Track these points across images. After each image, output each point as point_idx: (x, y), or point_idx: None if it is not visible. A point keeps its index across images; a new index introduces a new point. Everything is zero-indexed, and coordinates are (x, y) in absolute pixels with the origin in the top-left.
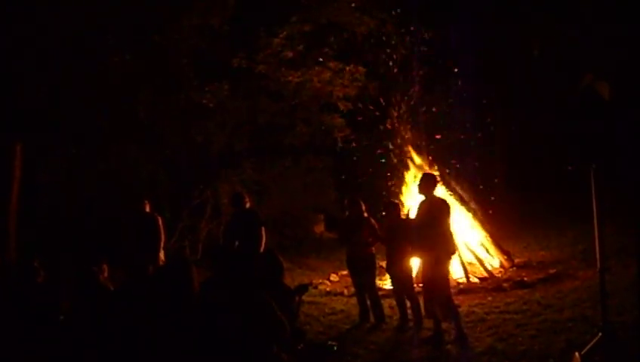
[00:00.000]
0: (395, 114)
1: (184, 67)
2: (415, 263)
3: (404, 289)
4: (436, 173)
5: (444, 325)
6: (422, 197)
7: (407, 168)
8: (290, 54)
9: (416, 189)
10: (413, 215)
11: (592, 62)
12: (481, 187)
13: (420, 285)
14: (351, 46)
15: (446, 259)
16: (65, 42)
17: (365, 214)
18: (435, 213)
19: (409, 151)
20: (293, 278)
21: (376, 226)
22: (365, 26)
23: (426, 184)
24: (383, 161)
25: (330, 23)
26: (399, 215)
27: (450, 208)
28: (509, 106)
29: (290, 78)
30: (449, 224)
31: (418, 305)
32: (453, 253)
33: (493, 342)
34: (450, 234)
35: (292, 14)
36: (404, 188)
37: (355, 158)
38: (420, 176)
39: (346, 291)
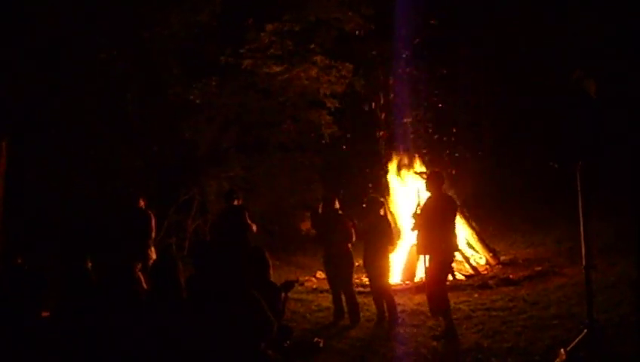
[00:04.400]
0: (383, 114)
1: (171, 63)
2: (396, 260)
3: (380, 286)
4: (423, 170)
5: (430, 322)
6: (428, 194)
7: (391, 164)
8: (279, 52)
9: (424, 186)
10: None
11: (579, 59)
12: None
13: (407, 282)
14: (338, 43)
15: (448, 256)
16: (52, 39)
17: (340, 211)
18: (440, 210)
19: (394, 149)
20: (279, 275)
21: (351, 223)
22: (354, 24)
23: (434, 181)
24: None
25: (318, 21)
26: (380, 211)
27: (456, 206)
28: (497, 103)
29: (276, 70)
30: (454, 221)
31: (393, 302)
32: (455, 250)
33: (479, 338)
34: (454, 232)
35: (281, 12)
36: (387, 186)
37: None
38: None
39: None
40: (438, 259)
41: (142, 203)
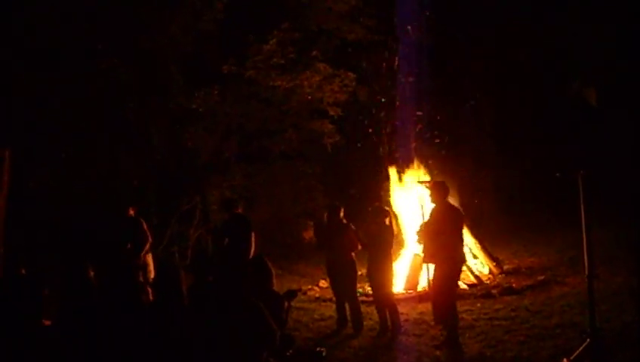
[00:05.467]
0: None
1: (173, 72)
2: (399, 269)
3: (383, 295)
4: (427, 180)
5: (432, 331)
6: (434, 205)
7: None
8: (281, 61)
9: (429, 197)
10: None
11: (580, 66)
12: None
13: (410, 291)
14: (341, 52)
15: (455, 267)
16: (54, 46)
17: (345, 220)
18: (446, 220)
19: (397, 158)
20: (282, 284)
21: (355, 233)
22: (355, 34)
23: (438, 192)
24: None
25: (320, 30)
26: (385, 221)
27: (462, 216)
28: (499, 111)
29: (279, 83)
30: (460, 232)
31: (396, 310)
32: (463, 261)
33: (482, 348)
34: (461, 242)
35: (282, 20)
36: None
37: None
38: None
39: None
40: (443, 269)
41: (131, 211)
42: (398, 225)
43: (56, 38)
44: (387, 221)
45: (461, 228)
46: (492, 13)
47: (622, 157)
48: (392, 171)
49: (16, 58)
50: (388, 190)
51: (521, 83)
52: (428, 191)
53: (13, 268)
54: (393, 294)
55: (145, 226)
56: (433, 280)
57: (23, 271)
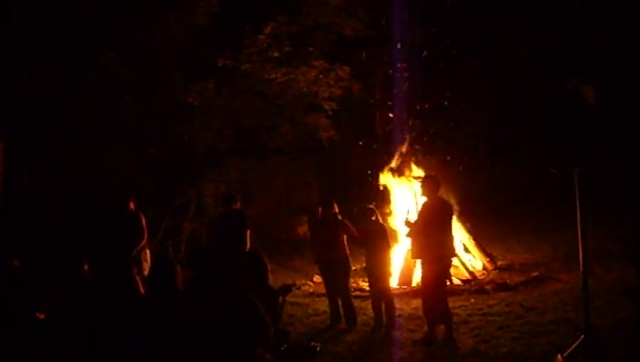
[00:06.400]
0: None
1: (169, 66)
2: (396, 265)
3: (381, 288)
4: (419, 175)
5: (426, 326)
6: (424, 199)
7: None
8: (275, 54)
9: (420, 191)
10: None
11: (577, 65)
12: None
13: (404, 287)
14: (336, 47)
15: (444, 262)
16: (51, 40)
17: (339, 216)
18: (436, 215)
19: (391, 153)
20: (277, 279)
21: (350, 227)
22: (351, 28)
23: (429, 186)
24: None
25: (316, 24)
26: (372, 219)
27: (452, 211)
28: (495, 107)
29: (274, 76)
30: (450, 226)
31: (392, 304)
32: (453, 256)
33: (475, 343)
34: (451, 237)
35: (279, 14)
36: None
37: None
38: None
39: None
40: (432, 264)
41: (132, 205)
42: (386, 220)
43: (55, 30)
44: (373, 217)
45: (451, 223)
46: (491, 12)
47: (618, 155)
48: (386, 166)
49: (16, 57)
50: (381, 185)
51: (519, 82)
52: (419, 186)
53: (6, 260)
54: (390, 288)
55: (144, 222)
56: (422, 275)
57: (16, 263)
